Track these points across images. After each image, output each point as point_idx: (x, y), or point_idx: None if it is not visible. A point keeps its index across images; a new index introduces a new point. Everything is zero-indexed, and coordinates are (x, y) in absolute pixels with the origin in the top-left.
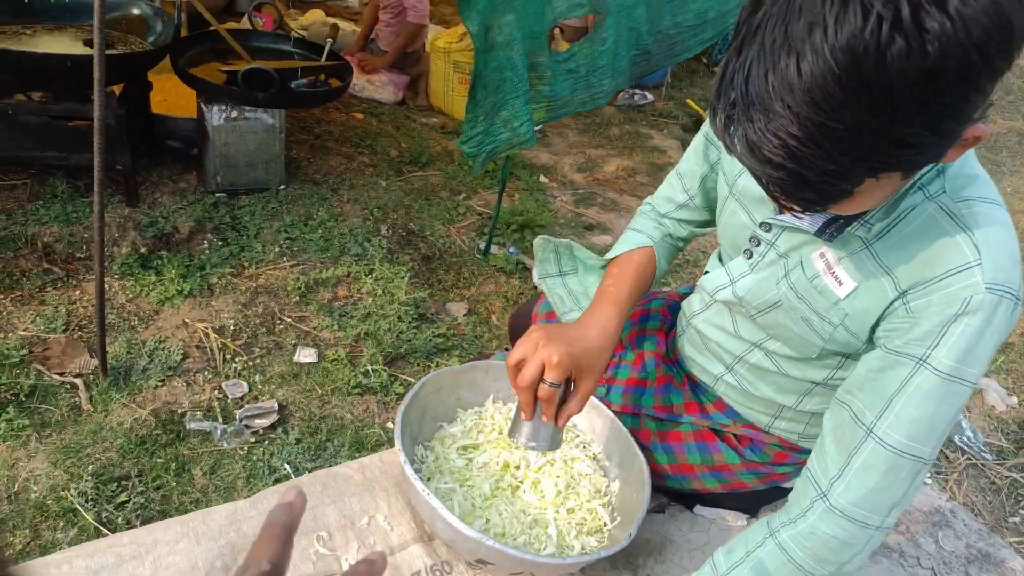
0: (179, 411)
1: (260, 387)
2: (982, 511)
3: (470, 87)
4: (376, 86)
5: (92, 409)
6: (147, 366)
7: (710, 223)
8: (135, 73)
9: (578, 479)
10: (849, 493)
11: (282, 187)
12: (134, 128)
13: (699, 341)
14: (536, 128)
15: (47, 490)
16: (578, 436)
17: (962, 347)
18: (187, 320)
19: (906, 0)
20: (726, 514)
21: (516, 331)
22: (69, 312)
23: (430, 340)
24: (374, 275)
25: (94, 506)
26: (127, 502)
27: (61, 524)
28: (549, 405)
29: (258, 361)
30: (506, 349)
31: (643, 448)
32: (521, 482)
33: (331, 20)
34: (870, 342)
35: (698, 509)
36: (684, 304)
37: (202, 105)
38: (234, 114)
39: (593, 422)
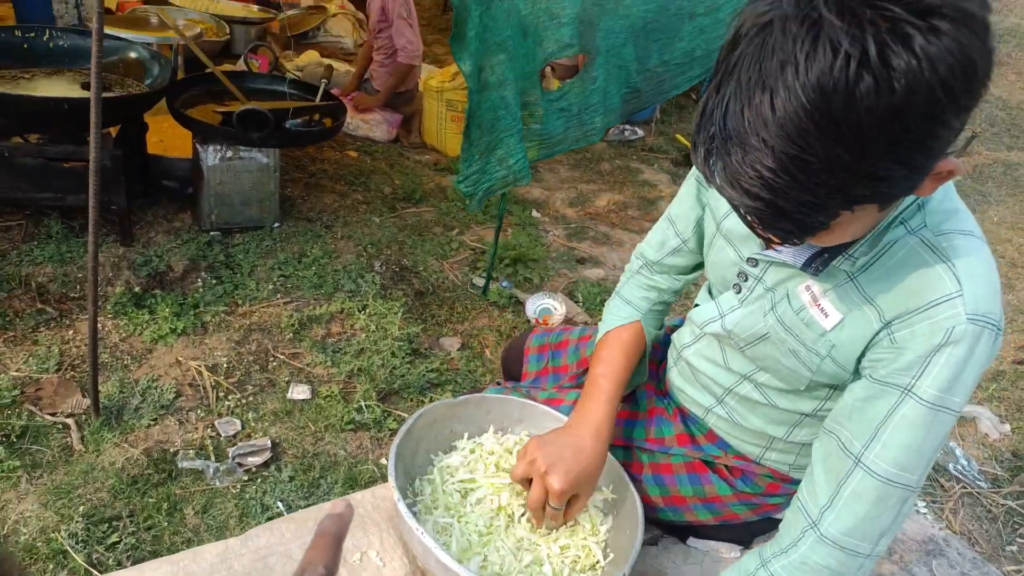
0: (171, 450)
1: (253, 424)
2: (979, 540)
3: (465, 127)
4: (370, 125)
5: (84, 449)
6: (139, 405)
7: (702, 266)
8: (132, 115)
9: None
10: (839, 522)
11: (276, 225)
12: (130, 168)
13: (689, 373)
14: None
15: (37, 532)
16: None
17: (946, 377)
18: (180, 358)
19: (872, 39)
20: (719, 546)
21: (509, 365)
22: (62, 352)
23: (423, 375)
24: (367, 311)
25: (84, 547)
26: (118, 543)
27: (51, 567)
28: (556, 520)
29: (251, 398)
30: (498, 383)
31: (635, 481)
32: (515, 519)
33: (326, 61)
34: (856, 373)
35: (691, 541)
36: (675, 336)
37: (197, 145)
38: (229, 154)
39: None
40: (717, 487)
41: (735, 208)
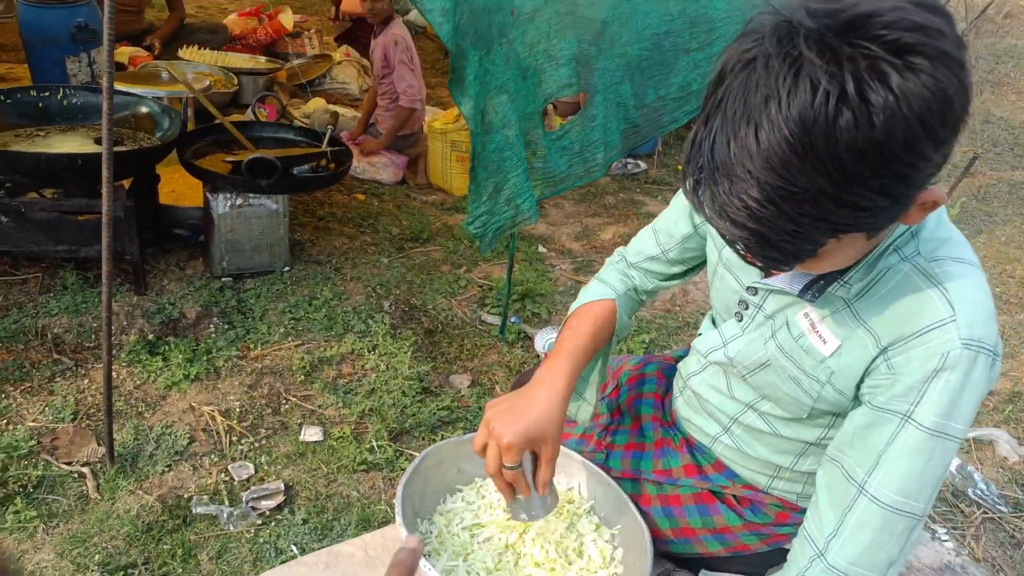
0: (185, 495)
1: (266, 468)
2: (1003, 566)
3: (470, 169)
4: (376, 168)
5: (99, 497)
6: (154, 452)
7: (676, 277)
8: (143, 167)
9: (581, 550)
10: (845, 551)
11: (286, 269)
12: (143, 219)
13: (696, 402)
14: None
15: None
16: (581, 502)
17: (944, 402)
18: (193, 404)
19: (851, 76)
20: None
21: None
22: (77, 401)
23: (434, 413)
24: (378, 351)
25: None
26: None
27: None
28: (519, 484)
29: (264, 442)
30: None
31: (644, 514)
32: (523, 556)
33: (332, 107)
34: (856, 399)
35: (704, 574)
36: (680, 365)
37: (208, 194)
38: (239, 201)
39: (594, 490)
40: (726, 517)
41: (723, 237)
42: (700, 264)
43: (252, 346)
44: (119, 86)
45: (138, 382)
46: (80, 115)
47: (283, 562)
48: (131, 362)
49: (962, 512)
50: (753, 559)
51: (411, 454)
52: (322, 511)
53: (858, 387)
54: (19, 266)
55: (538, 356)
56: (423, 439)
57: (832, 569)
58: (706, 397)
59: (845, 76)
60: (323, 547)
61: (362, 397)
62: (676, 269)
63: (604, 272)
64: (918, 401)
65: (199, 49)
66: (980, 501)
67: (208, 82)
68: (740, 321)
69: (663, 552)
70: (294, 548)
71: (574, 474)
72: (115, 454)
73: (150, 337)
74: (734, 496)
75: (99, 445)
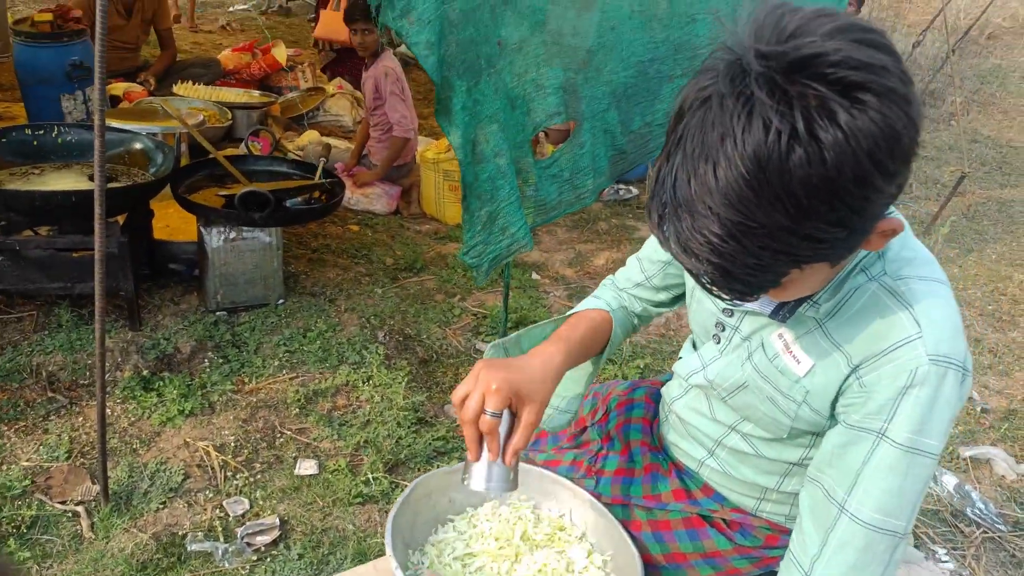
0: (180, 532)
1: (261, 503)
2: None
3: (462, 198)
4: (370, 198)
5: (93, 536)
6: (148, 489)
7: (664, 304)
8: (137, 203)
9: None
10: (830, 572)
11: (281, 301)
12: (137, 255)
13: (680, 426)
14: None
15: None
16: (572, 529)
17: (916, 418)
18: (188, 439)
19: (800, 115)
20: None
21: None
22: (72, 439)
23: (430, 444)
24: (372, 382)
25: None
26: None
27: None
28: (492, 438)
29: (259, 476)
30: None
31: (635, 540)
32: None
33: (325, 140)
34: (832, 418)
35: None
36: (664, 390)
37: (201, 228)
38: (232, 235)
39: (585, 515)
40: (716, 541)
41: (688, 271)
42: (685, 292)
43: (247, 380)
44: (114, 123)
45: (132, 419)
46: (75, 152)
47: None
48: (125, 398)
49: (962, 532)
50: None
51: (407, 485)
52: (318, 545)
53: (833, 406)
54: (14, 304)
55: None
56: (419, 470)
57: None
58: (690, 421)
59: (795, 115)
60: None
61: (357, 429)
62: (662, 296)
63: (599, 291)
64: (890, 418)
65: (193, 84)
66: (979, 520)
67: (202, 117)
68: (718, 343)
69: None
70: None
71: (565, 501)
72: (109, 492)
73: (144, 373)
74: (723, 520)
75: (93, 483)
